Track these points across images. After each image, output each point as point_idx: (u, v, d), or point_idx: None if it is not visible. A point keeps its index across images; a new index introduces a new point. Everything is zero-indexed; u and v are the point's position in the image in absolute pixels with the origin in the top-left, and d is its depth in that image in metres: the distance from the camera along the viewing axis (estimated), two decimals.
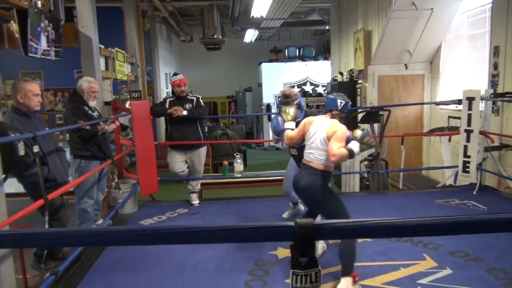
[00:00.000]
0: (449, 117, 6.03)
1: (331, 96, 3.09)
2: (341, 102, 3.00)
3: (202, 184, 5.22)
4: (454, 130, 5.43)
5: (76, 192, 3.85)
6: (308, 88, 12.04)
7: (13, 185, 3.31)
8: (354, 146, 2.79)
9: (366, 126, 3.48)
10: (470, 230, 1.29)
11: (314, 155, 2.95)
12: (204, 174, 6.94)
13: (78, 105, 3.81)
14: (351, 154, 2.76)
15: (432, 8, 5.91)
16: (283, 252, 3.35)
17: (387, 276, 2.94)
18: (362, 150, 2.84)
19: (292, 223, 0.85)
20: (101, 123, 3.82)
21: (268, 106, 11.55)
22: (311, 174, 2.92)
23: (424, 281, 2.85)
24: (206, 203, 5.00)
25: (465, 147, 4.74)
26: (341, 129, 2.86)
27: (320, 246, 3.35)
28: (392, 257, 3.25)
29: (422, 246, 3.43)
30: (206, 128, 10.21)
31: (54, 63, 5.30)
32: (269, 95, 12.07)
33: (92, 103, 3.91)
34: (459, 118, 5.12)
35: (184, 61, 14.06)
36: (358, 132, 2.93)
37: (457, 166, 4.99)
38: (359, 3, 7.49)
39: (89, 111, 3.85)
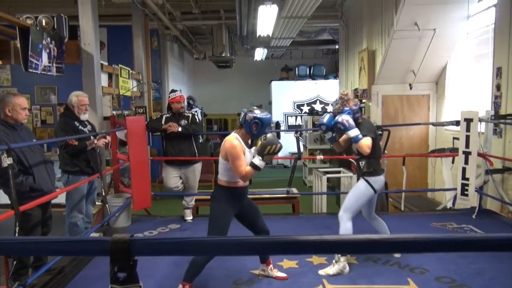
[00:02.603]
0: (454, 138, 5.90)
1: None
2: (242, 114, 2.98)
3: (198, 200, 5.23)
4: (456, 151, 5.30)
5: (66, 206, 3.91)
6: (318, 106, 12.02)
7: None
8: (257, 161, 2.84)
9: (270, 134, 3.41)
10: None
11: (219, 170, 3.02)
12: (206, 190, 6.97)
13: (68, 120, 3.87)
14: (256, 169, 2.84)
15: (434, 29, 5.86)
16: None
17: None
18: (266, 160, 2.87)
19: (108, 238, 0.85)
20: (91, 138, 3.87)
21: (277, 124, 11.54)
22: (215, 190, 3.10)
23: None
24: (200, 219, 4.98)
25: (464, 169, 4.61)
26: (229, 146, 2.86)
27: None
28: (375, 281, 3.16)
29: (408, 270, 3.33)
30: (213, 144, 10.32)
31: (68, 79, 5.51)
32: (279, 113, 12.13)
33: (84, 117, 3.95)
34: None
35: (196, 78, 14.28)
36: (259, 143, 2.92)
37: (456, 189, 4.85)
38: (364, 23, 7.51)
39: (80, 126, 3.89)
